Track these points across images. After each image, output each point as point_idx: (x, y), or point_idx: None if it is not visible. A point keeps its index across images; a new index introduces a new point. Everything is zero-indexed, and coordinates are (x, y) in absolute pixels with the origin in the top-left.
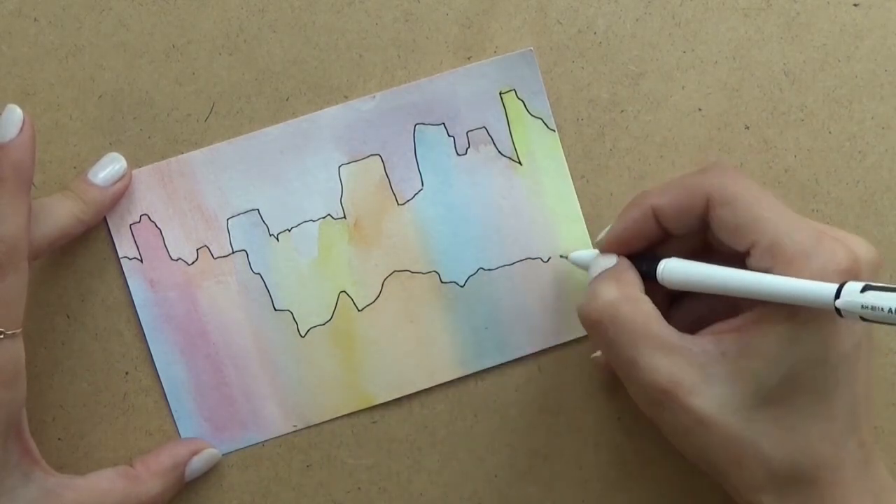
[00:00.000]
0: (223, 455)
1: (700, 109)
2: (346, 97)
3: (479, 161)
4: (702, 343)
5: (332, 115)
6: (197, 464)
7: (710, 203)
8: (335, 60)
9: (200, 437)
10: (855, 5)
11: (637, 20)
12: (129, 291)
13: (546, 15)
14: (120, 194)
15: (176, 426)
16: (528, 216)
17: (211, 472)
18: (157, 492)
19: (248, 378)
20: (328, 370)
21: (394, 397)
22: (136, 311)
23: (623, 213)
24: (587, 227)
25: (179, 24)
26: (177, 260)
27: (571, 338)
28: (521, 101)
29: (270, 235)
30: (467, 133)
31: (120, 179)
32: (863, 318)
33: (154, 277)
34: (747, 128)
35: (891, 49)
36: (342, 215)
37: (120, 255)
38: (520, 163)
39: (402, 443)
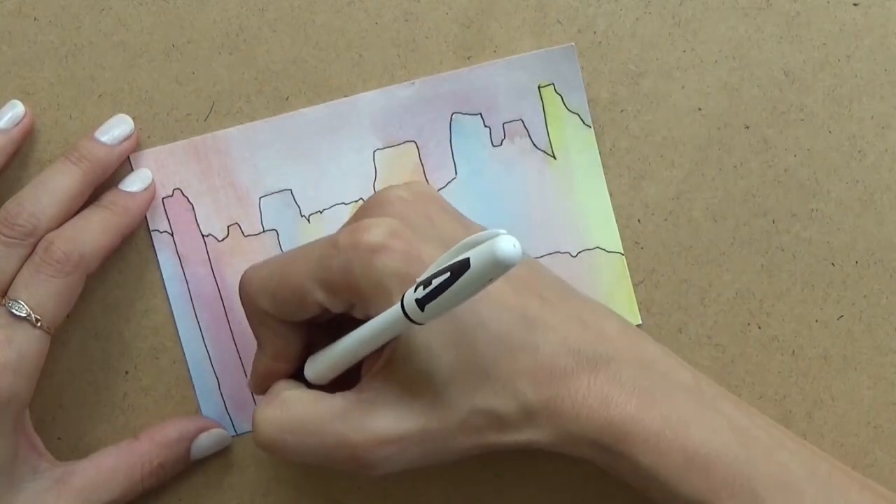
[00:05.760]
0: (242, 434)
1: (700, 109)
2: (345, 97)
3: (514, 153)
4: (368, 387)
5: (369, 100)
6: (204, 441)
7: (270, 311)
8: (335, 60)
9: (221, 415)
10: (855, 5)
11: (637, 20)
12: (130, 290)
13: (546, 15)
14: (125, 155)
15: (198, 402)
16: (560, 210)
17: (211, 471)
18: (160, 462)
19: None
20: None
21: None
22: (135, 311)
23: (253, 372)
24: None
25: (179, 24)
26: (207, 236)
27: None
28: (559, 96)
29: (302, 216)
30: (503, 124)
31: (126, 139)
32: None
33: (183, 252)
34: (747, 128)
35: (891, 49)
36: None
37: (151, 229)
38: (554, 157)
39: None
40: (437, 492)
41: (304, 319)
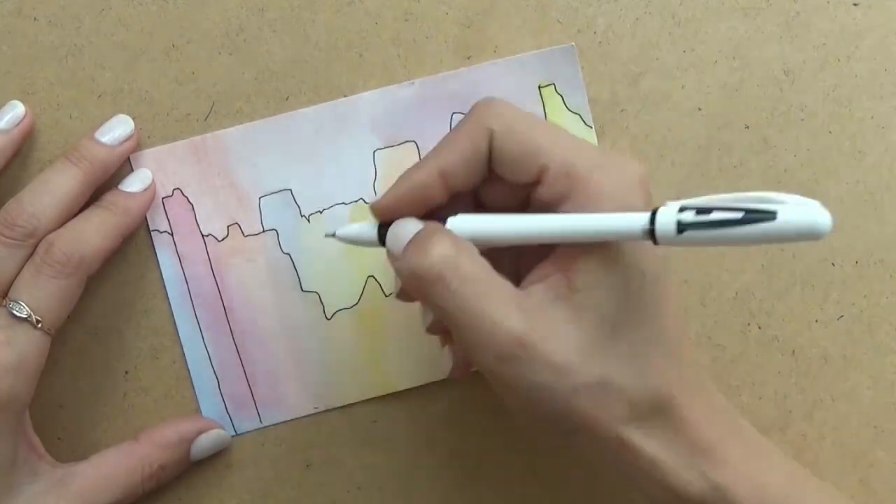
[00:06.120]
0: (242, 434)
1: (700, 109)
2: (345, 96)
3: None
4: (534, 293)
5: (369, 99)
6: (204, 442)
7: (494, 137)
8: (335, 60)
9: (221, 415)
10: (855, 5)
11: (637, 20)
12: (130, 290)
13: (546, 15)
14: (126, 155)
15: (198, 403)
16: None
17: (211, 471)
18: (160, 464)
19: (272, 358)
20: (352, 354)
21: (416, 384)
22: (135, 311)
23: (406, 177)
24: None
25: (179, 24)
26: (207, 236)
27: None
28: (559, 96)
29: (302, 216)
30: None
31: (127, 140)
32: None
33: (183, 252)
34: (747, 128)
35: (891, 49)
36: None
37: (151, 229)
38: None
39: (402, 443)
40: (437, 492)
41: (501, 175)
